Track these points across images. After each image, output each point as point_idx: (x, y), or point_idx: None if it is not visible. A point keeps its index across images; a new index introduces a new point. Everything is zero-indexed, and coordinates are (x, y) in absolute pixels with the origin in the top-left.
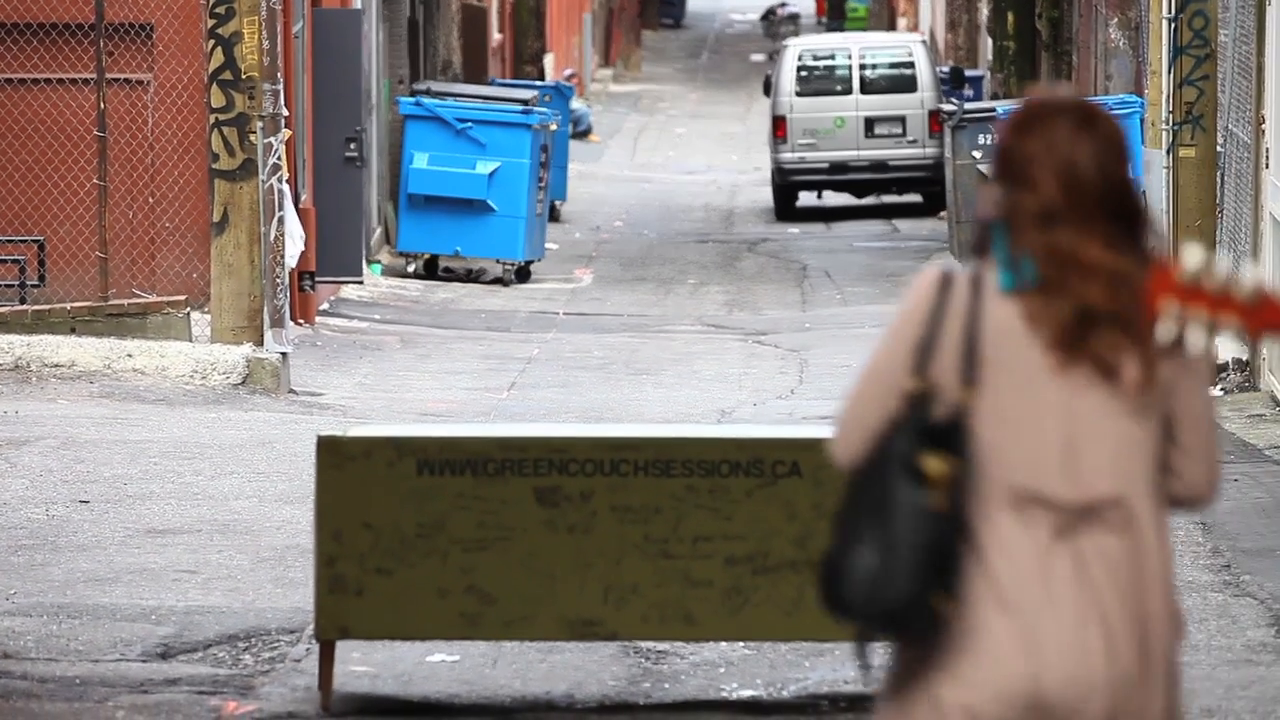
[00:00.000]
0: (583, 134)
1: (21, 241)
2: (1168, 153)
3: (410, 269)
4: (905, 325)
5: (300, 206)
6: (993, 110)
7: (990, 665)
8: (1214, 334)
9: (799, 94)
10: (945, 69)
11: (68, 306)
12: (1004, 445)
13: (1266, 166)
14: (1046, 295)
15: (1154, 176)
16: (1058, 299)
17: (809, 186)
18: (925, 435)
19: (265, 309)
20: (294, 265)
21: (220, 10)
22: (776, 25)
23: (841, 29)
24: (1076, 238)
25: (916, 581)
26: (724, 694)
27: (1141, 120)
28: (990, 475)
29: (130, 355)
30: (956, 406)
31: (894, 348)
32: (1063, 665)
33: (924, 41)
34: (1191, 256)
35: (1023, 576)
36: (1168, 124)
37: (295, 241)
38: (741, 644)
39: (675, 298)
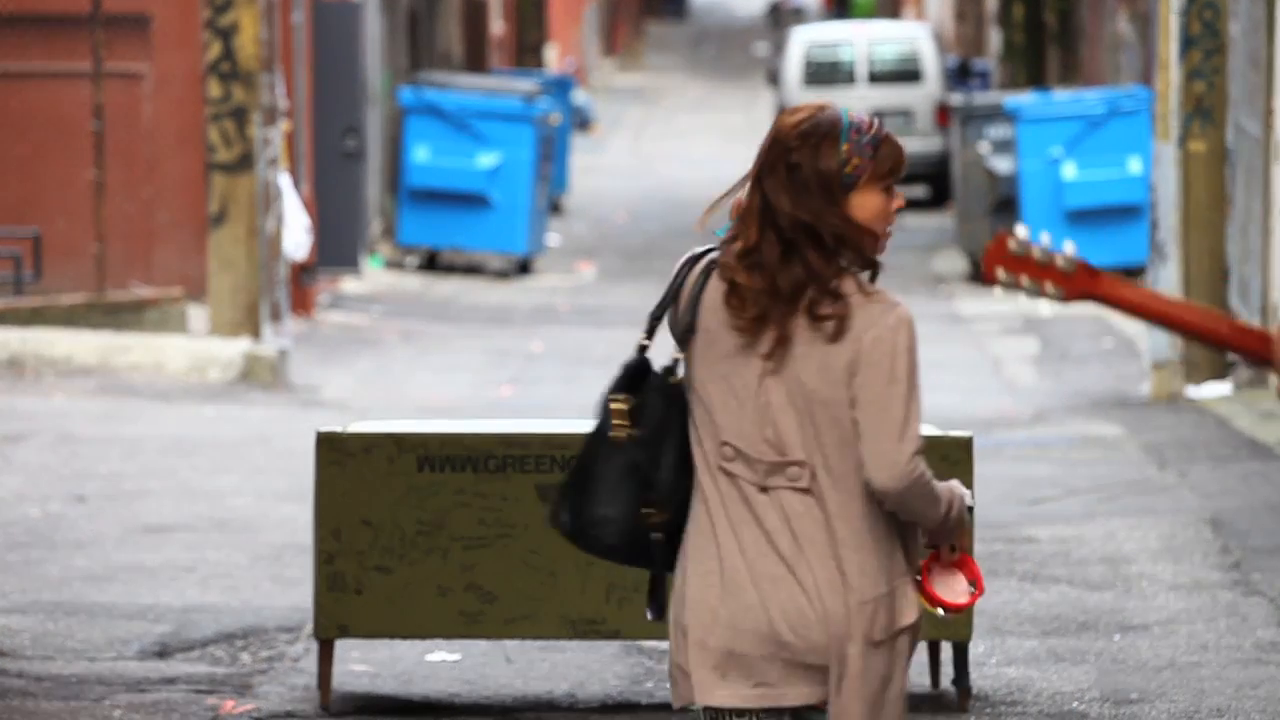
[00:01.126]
0: (585, 126)
1: (18, 236)
2: (1178, 146)
3: (410, 263)
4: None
5: (300, 199)
6: (1000, 103)
7: (697, 592)
8: (1038, 297)
9: (804, 85)
10: (953, 60)
11: (64, 300)
12: (714, 405)
13: (1277, 160)
14: (741, 283)
15: (1163, 170)
16: (754, 280)
17: None
18: (625, 378)
19: (263, 303)
20: (303, 257)
21: (218, 1)
22: (782, 16)
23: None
24: (771, 247)
25: (618, 505)
26: None
27: (1151, 113)
28: (706, 430)
29: (127, 350)
30: (672, 361)
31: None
32: (745, 596)
33: (931, 32)
34: (1020, 232)
35: (722, 521)
36: (1177, 117)
37: (305, 234)
38: None
39: None
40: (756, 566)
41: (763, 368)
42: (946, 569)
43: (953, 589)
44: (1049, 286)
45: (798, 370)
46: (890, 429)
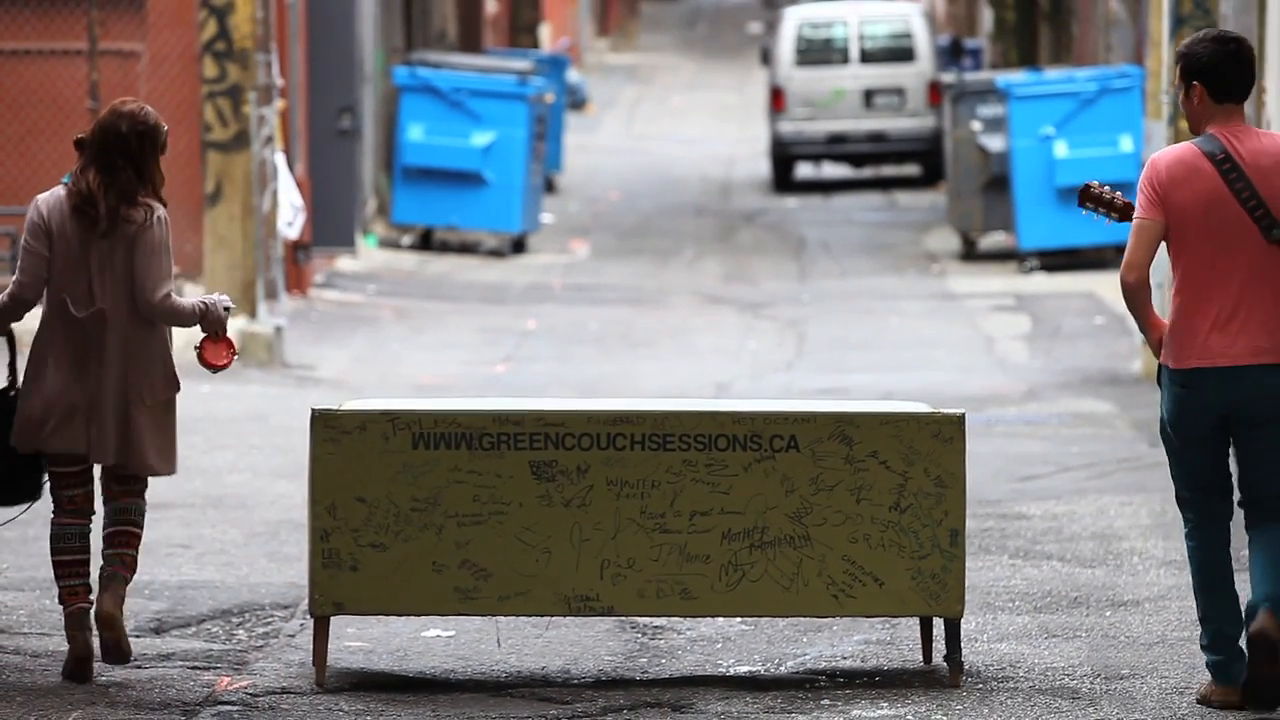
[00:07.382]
0: (579, 105)
1: (12, 214)
2: (1169, 125)
3: (405, 241)
4: (34, 239)
5: (294, 178)
6: (992, 82)
7: (43, 392)
8: (1109, 219)
9: (797, 64)
10: (945, 39)
11: None
12: (62, 280)
13: None
14: (79, 193)
15: (1155, 148)
16: (89, 193)
17: (807, 158)
18: None
19: (259, 282)
20: (297, 236)
21: None
22: None
23: None
24: (97, 170)
25: None
26: (721, 670)
27: (1142, 92)
28: (56, 299)
29: None
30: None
31: (31, 251)
32: (60, 395)
33: (923, 11)
34: (1093, 183)
35: (61, 354)
36: (1168, 95)
37: (298, 212)
38: (739, 619)
39: (672, 270)
40: (75, 376)
41: (93, 252)
42: (215, 345)
43: (219, 355)
44: (1110, 214)
45: (107, 251)
46: (153, 280)
